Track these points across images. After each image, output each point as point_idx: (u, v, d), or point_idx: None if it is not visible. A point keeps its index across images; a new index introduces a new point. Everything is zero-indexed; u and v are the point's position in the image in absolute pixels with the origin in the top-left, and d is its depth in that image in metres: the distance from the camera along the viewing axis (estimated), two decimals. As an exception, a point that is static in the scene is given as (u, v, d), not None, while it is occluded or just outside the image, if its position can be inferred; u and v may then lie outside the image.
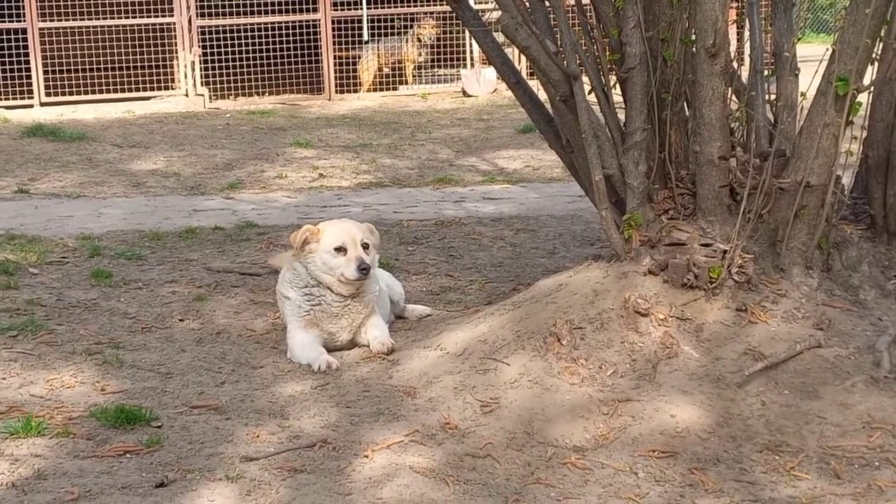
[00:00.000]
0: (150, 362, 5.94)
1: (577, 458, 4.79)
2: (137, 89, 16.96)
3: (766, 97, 5.78)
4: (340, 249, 5.92)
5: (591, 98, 5.95)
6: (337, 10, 17.79)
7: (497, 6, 6.19)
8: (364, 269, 5.86)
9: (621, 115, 6.00)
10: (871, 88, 5.68)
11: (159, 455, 4.78)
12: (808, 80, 5.60)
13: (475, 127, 14.45)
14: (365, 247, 6.01)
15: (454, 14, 7.36)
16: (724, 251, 5.51)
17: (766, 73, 5.82)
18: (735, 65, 5.89)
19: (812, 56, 5.62)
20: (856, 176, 6.01)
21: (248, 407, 5.32)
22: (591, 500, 4.46)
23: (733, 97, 5.81)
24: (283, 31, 17.42)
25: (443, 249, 8.30)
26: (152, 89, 17.11)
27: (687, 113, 5.84)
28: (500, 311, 6.04)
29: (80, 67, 16.74)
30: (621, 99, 6.01)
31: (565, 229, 8.74)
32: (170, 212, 9.62)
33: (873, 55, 5.55)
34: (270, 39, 17.41)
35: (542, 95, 6.38)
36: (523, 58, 6.35)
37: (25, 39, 16.45)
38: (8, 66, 16.52)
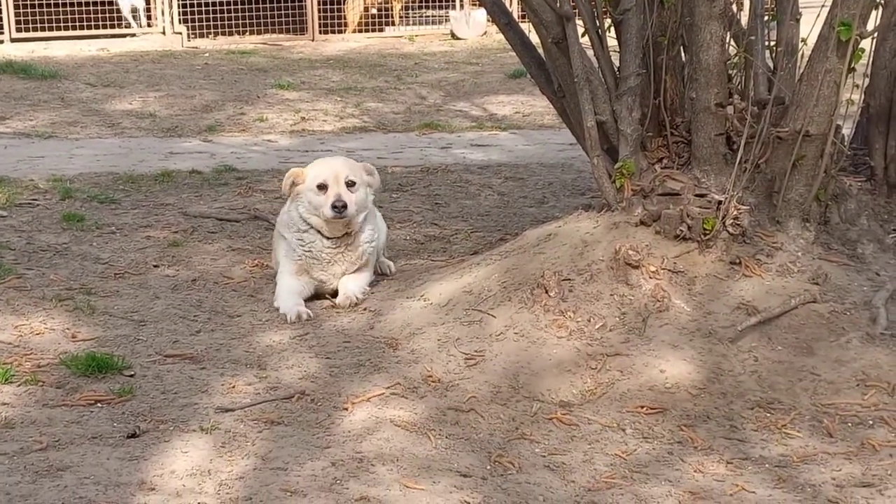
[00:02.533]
0: (123, 309, 5.92)
1: (564, 414, 4.81)
2: (112, 26, 16.83)
3: (766, 42, 5.74)
4: (322, 187, 5.76)
5: (585, 41, 5.92)
6: (322, -56, 17.66)
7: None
8: (337, 207, 5.67)
9: (615, 59, 5.96)
10: (875, 34, 5.66)
11: (131, 405, 4.78)
12: (810, 26, 5.58)
13: (464, 71, 14.40)
14: (350, 184, 5.81)
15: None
16: (719, 202, 5.50)
17: (766, 17, 5.78)
18: (734, 8, 5.84)
19: (814, 1, 5.57)
20: (856, 125, 6.00)
21: (225, 356, 5.32)
22: (576, 456, 4.47)
23: (732, 42, 5.77)
24: (266, -33, 17.34)
25: (428, 197, 8.27)
26: (127, 26, 16.96)
27: (683, 58, 5.81)
28: (486, 262, 6.02)
29: (52, 2, 16.61)
30: (616, 42, 5.96)
31: (555, 178, 8.72)
32: (145, 154, 9.55)
33: (877, 0, 5.53)
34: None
35: (534, 38, 6.34)
36: (514, -1, 6.30)
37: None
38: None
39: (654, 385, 4.96)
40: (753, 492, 4.22)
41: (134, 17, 16.81)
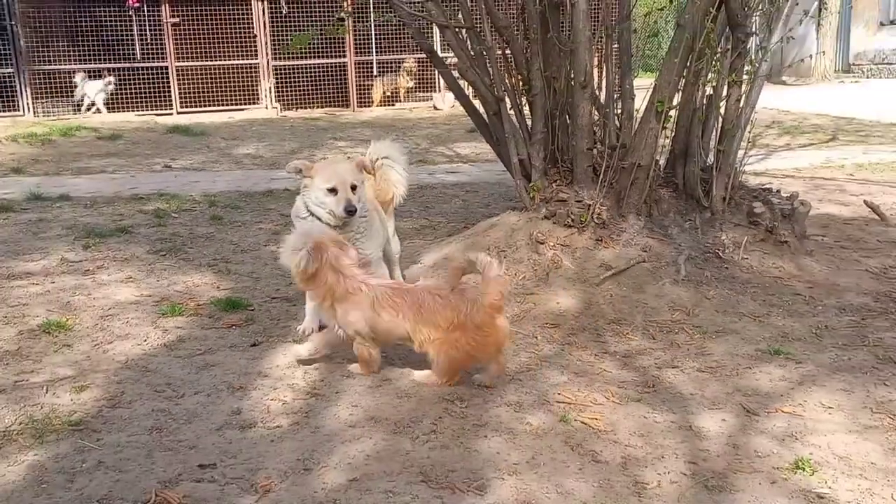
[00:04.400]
0: (247, 271, 5.89)
1: (502, 329, 4.79)
2: (236, 103, 16.65)
3: (616, 112, 5.74)
4: (332, 190, 4.50)
5: (511, 112, 5.90)
6: (357, 55, 17.42)
7: (455, 55, 6.09)
8: (350, 211, 4.48)
9: (529, 123, 5.95)
10: (677, 107, 5.67)
11: (253, 327, 4.77)
12: (640, 102, 5.58)
13: (441, 128, 14.26)
14: (353, 188, 4.58)
15: (429, 59, 7.28)
16: (589, 205, 5.50)
17: (614, 96, 5.78)
18: (597, 92, 5.83)
19: (642, 86, 5.57)
20: (667, 159, 6.00)
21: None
22: (508, 352, 4.40)
23: (595, 111, 5.77)
24: (326, 68, 17.11)
25: (421, 203, 8.20)
26: (245, 104, 16.80)
27: (568, 121, 5.80)
28: (456, 241, 6.01)
29: (202, 89, 16.45)
30: (529, 113, 5.95)
31: (495, 191, 8.70)
32: (257, 180, 9.47)
33: (678, 88, 5.54)
34: (317, 73, 17.14)
35: (482, 109, 6.30)
36: (470, 87, 6.25)
37: (167, 72, 16.12)
38: (157, 89, 16.17)
39: (553, 311, 4.96)
40: (610, 371, 4.21)
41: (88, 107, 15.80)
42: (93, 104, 15.84)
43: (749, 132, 5.83)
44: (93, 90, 15.72)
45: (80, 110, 15.78)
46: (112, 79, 15.80)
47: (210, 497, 2.94)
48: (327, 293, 3.96)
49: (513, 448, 3.37)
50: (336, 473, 3.14)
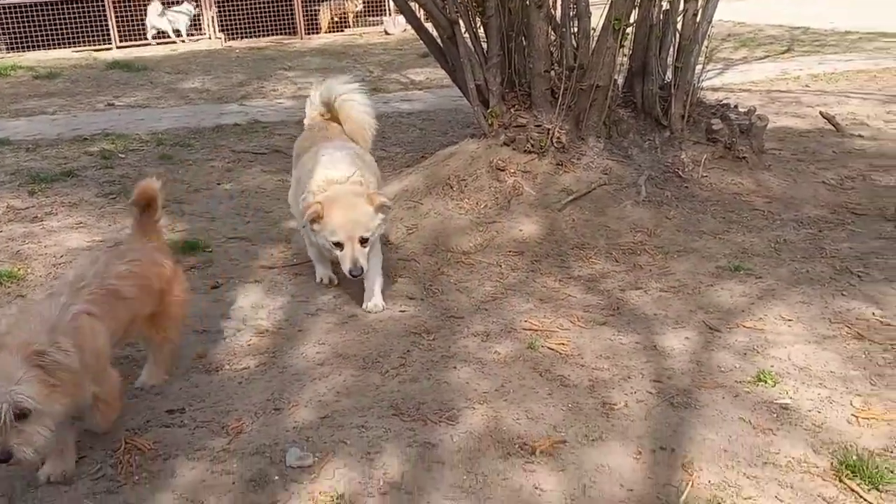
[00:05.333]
0: (201, 211, 5.79)
1: (466, 258, 4.80)
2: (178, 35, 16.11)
3: (572, 31, 5.66)
4: (338, 245, 3.92)
5: (465, 35, 5.79)
6: (303, -21, 16.94)
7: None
8: (354, 274, 3.88)
9: (485, 46, 5.85)
10: (633, 24, 5.62)
11: (212, 269, 4.72)
12: (597, 20, 5.51)
13: (394, 54, 13.96)
14: (363, 241, 3.92)
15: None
16: (549, 129, 5.48)
17: (571, 15, 5.68)
18: (552, 11, 5.73)
19: (599, 3, 5.48)
20: (625, 79, 5.96)
21: (265, 237, 5.24)
22: (474, 282, 4.48)
23: (552, 32, 5.69)
24: (271, -5, 16.66)
25: (377, 133, 8.07)
26: (187, 35, 16.24)
27: (524, 43, 5.71)
28: (416, 171, 5.95)
29: (141, 22, 15.88)
30: (484, 36, 5.84)
31: (452, 118, 8.60)
32: (205, 115, 9.21)
33: (635, 4, 5.47)
34: (264, 1, 16.63)
35: (435, 33, 6.17)
36: (422, 10, 6.11)
37: (103, 5, 15.48)
38: (94, 23, 15.55)
39: (516, 238, 4.98)
40: (575, 296, 4.28)
41: (177, 34, 16.14)
42: (177, 32, 15.93)
43: (706, 47, 5.82)
44: (176, 18, 15.86)
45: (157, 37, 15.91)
46: (190, 5, 16.01)
47: (181, 441, 2.96)
48: None
49: (482, 377, 3.42)
50: (307, 411, 3.17)
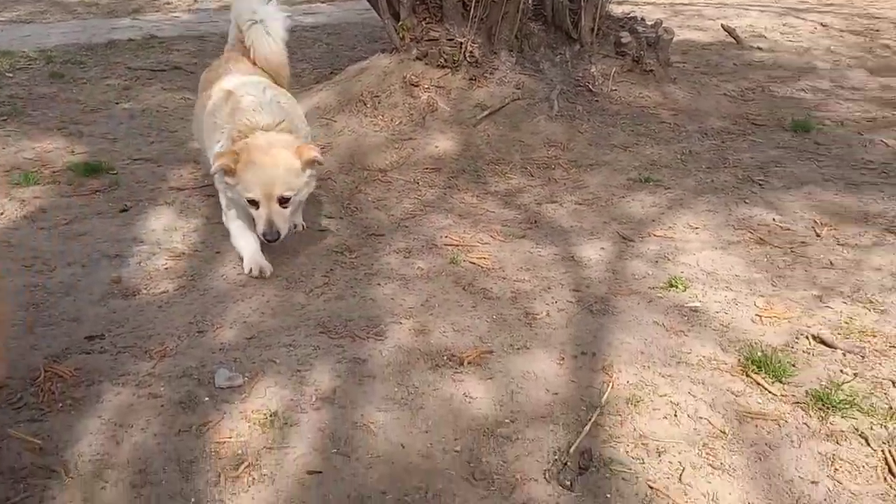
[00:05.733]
0: (101, 132, 5.54)
1: (382, 176, 4.79)
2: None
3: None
4: (253, 203, 3.40)
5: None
6: None
7: None
8: (271, 240, 3.40)
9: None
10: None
11: (118, 192, 4.55)
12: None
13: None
14: (283, 200, 3.39)
15: None
16: (461, 43, 5.45)
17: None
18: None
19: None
20: (536, -9, 5.94)
21: (172, 158, 5.07)
22: (392, 200, 4.49)
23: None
24: None
25: (282, 47, 7.84)
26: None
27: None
28: (326, 88, 5.84)
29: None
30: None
31: (359, 32, 8.41)
32: (96, 30, 8.70)
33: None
34: None
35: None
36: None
37: None
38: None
39: (432, 155, 4.99)
40: (493, 211, 4.36)
41: None
42: None
43: (615, -40, 5.85)
44: None
45: None
46: None
47: (103, 367, 2.91)
48: None
49: (406, 293, 3.48)
50: (232, 332, 3.16)
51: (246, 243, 3.67)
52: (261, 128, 3.48)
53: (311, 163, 3.47)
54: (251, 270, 3.61)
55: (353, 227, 4.13)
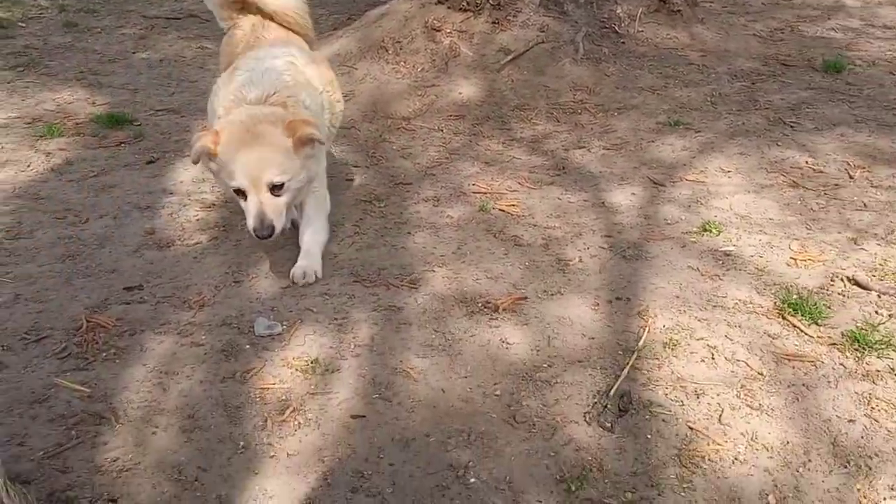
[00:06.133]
0: (120, 83, 5.54)
1: (406, 124, 4.80)
2: None
3: None
4: (240, 192, 2.91)
5: None
6: None
7: None
8: (262, 237, 2.89)
9: None
10: None
11: (144, 143, 4.58)
12: None
13: None
14: (276, 188, 2.89)
15: None
16: (484, -14, 5.38)
17: None
18: None
19: None
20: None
21: (194, 108, 5.06)
22: (417, 148, 4.49)
23: None
24: None
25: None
26: None
27: None
28: (346, 35, 5.80)
29: None
30: None
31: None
32: (106, -22, 8.66)
33: None
34: None
35: None
36: None
37: None
38: None
39: (456, 101, 4.98)
40: (520, 158, 4.36)
41: None
42: None
43: None
44: None
45: None
46: None
47: (144, 317, 2.97)
48: None
49: (438, 241, 3.51)
50: (268, 282, 3.21)
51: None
52: (247, 102, 3.02)
53: (305, 141, 2.92)
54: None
55: (379, 176, 4.15)
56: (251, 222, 2.88)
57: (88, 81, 5.53)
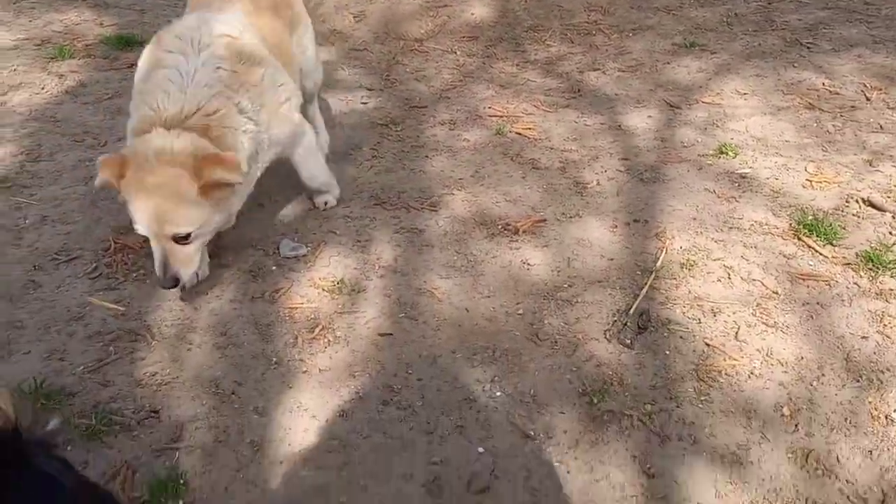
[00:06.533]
0: (127, 3, 5.46)
1: (419, 46, 4.78)
2: None
3: None
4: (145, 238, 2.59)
5: None
6: None
7: None
8: (167, 288, 2.57)
9: None
10: None
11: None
12: None
13: None
14: (181, 238, 2.51)
15: None
16: None
17: None
18: None
19: None
20: None
21: (203, 30, 5.04)
22: (431, 70, 4.49)
23: None
24: None
25: None
26: None
27: None
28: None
29: None
30: None
31: None
32: None
33: None
34: None
35: None
36: None
37: None
38: None
39: (469, 22, 4.96)
40: (535, 80, 4.37)
41: None
42: None
43: None
44: None
45: None
46: None
47: (169, 241, 3.05)
48: None
49: (455, 164, 3.56)
50: (290, 206, 3.27)
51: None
52: (162, 122, 2.50)
53: (214, 187, 2.48)
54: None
55: (394, 100, 4.17)
56: (157, 273, 2.54)
57: (94, 2, 5.47)
